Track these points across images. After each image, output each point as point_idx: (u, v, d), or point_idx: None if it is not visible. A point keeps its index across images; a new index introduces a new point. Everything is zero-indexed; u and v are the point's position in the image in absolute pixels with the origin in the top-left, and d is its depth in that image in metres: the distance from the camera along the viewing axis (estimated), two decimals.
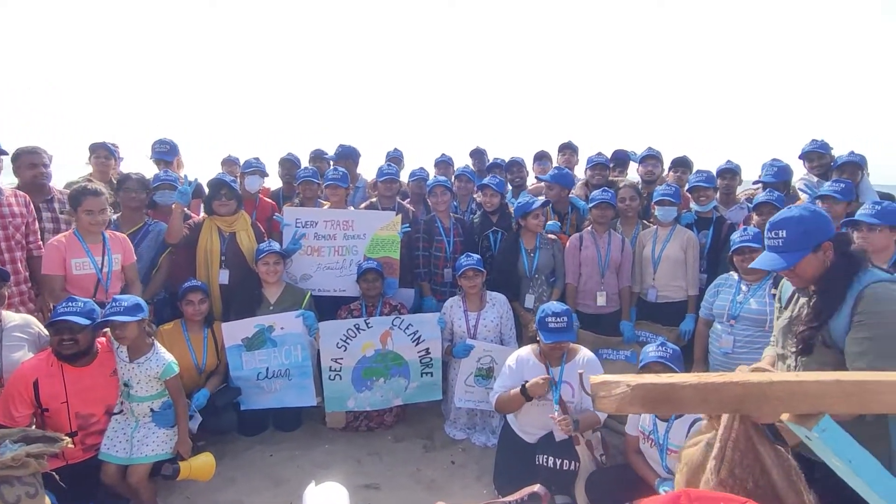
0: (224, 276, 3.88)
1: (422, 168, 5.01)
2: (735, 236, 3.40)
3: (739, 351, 3.30)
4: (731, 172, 4.49)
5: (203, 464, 3.08)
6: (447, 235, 4.32)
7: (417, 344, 3.87)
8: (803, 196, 3.99)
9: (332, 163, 4.98)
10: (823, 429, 0.82)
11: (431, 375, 3.95)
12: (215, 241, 3.88)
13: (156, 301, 3.82)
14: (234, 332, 3.70)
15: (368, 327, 3.83)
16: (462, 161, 5.49)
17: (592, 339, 3.88)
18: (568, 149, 5.22)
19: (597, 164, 4.65)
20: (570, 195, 4.51)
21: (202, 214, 4.07)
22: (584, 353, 3.23)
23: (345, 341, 3.81)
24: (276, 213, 4.35)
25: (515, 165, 5.08)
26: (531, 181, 5.19)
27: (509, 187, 4.96)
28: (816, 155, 4.13)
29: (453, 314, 3.92)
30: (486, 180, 4.34)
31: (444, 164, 5.33)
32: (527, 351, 3.31)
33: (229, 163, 5.34)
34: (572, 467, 3.04)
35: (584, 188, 4.72)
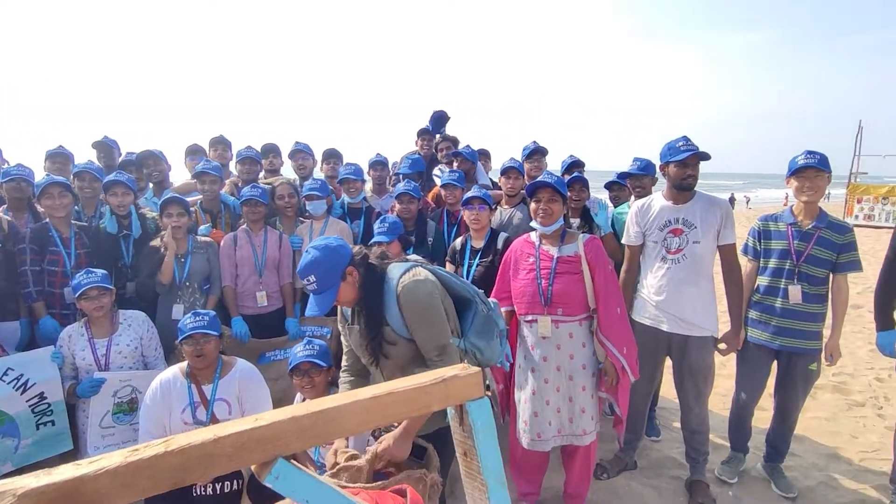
0: None
1: (20, 165, 3.90)
2: (376, 226, 3.63)
3: None
4: (380, 164, 4.80)
5: None
6: (66, 247, 3.50)
7: (24, 391, 3.02)
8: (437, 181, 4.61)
9: None
10: (276, 476, 0.77)
11: (53, 424, 3.14)
12: None
13: None
14: None
15: None
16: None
17: (255, 344, 3.68)
18: (220, 144, 4.85)
19: (245, 158, 4.41)
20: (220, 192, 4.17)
21: None
22: (241, 364, 2.99)
23: None
24: None
25: (151, 158, 4.42)
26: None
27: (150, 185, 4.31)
28: (445, 146, 5.02)
29: (74, 345, 3.17)
30: (112, 176, 3.65)
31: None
32: (172, 372, 2.90)
33: None
34: (236, 486, 2.81)
35: (232, 186, 4.43)
